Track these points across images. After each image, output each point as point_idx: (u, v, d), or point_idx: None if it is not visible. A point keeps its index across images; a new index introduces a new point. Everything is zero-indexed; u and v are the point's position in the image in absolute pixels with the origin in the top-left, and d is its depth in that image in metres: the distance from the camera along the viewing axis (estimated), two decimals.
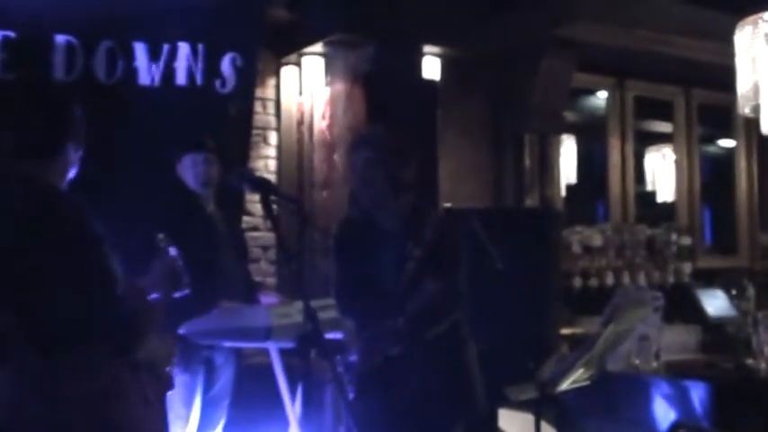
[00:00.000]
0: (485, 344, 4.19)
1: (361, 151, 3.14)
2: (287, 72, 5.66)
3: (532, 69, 6.10)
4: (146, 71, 4.74)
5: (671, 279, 6.30)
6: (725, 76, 3.93)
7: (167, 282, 2.39)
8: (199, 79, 4.86)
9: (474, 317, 4.12)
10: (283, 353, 4.20)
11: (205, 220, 4.13)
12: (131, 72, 4.70)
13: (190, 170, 4.09)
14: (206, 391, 4.13)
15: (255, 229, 5.42)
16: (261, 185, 2.49)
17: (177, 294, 2.40)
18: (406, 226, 3.15)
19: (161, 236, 2.43)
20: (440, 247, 3.12)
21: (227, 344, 4.20)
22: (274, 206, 2.59)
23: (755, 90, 3.52)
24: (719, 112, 7.45)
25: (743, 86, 3.57)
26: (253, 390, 4.65)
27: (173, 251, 2.43)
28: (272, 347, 4.18)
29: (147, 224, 2.74)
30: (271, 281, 5.49)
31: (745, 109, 3.62)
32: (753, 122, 7.43)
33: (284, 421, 4.23)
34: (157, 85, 4.76)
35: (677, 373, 4.34)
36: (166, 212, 3.86)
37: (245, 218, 5.30)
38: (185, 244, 2.59)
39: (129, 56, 4.69)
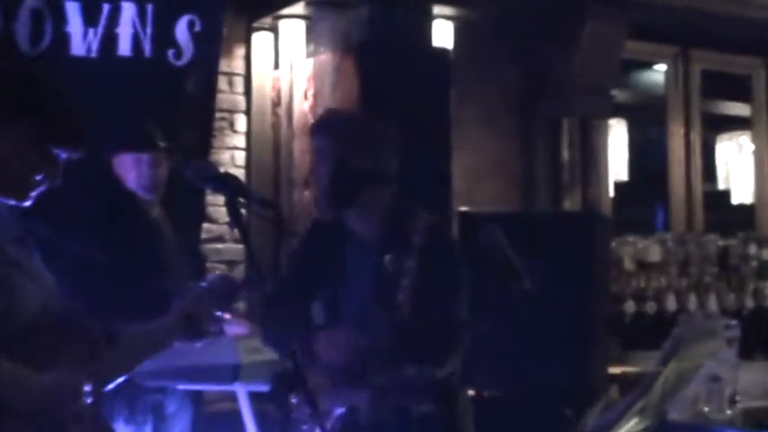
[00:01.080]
0: (511, 388, 4.21)
1: (313, 139, 3.21)
2: (259, 40, 5.67)
3: (572, 36, 6.11)
4: (80, 38, 4.75)
5: (749, 303, 6.32)
6: None
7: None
8: (147, 48, 4.87)
9: (498, 353, 4.13)
10: (254, 397, 4.21)
11: (148, 227, 4.15)
12: (62, 39, 4.71)
13: (132, 171, 4.11)
14: None
15: (219, 239, 5.43)
16: (226, 184, 2.49)
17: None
18: (383, 231, 3.17)
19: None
20: (433, 260, 3.13)
21: (183, 386, 4.21)
22: (243, 211, 2.59)
23: None
24: None
25: None
26: None
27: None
28: (241, 390, 4.19)
29: (77, 230, 2.75)
30: (238, 306, 5.50)
31: None
32: None
33: None
34: (95, 56, 4.77)
35: (758, 422, 4.35)
36: (100, 217, 3.88)
37: (206, 225, 5.31)
38: (123, 257, 2.60)
39: (60, 18, 4.70)
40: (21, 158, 2.35)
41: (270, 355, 3.61)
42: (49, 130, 2.36)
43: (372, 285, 3.10)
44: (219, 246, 5.42)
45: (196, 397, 4.52)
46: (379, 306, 3.08)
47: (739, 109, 7.50)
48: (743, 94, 7.44)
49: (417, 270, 3.06)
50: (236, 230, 2.52)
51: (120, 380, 2.52)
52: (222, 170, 2.62)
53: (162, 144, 4.16)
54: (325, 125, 3.21)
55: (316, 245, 3.26)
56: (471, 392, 4.39)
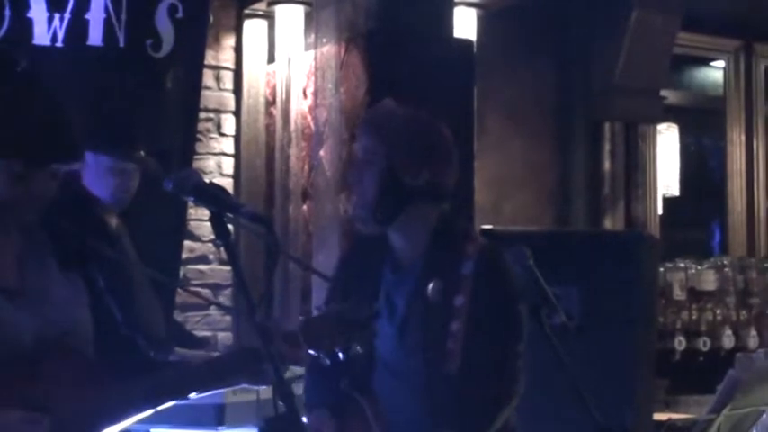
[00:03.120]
0: None
1: (361, 138, 3.16)
2: (252, 28, 5.72)
3: (616, 27, 6.14)
4: (44, 25, 4.78)
5: None
6: None
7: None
8: (121, 38, 4.90)
9: (527, 395, 4.14)
10: None
11: (110, 240, 4.17)
12: (23, 26, 4.75)
13: (102, 179, 4.12)
14: None
15: (203, 260, 5.45)
16: (212, 197, 2.51)
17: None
18: (428, 254, 3.15)
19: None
20: (488, 295, 3.11)
21: (162, 431, 4.23)
22: (231, 227, 2.61)
23: None
24: None
25: None
26: None
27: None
28: None
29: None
30: (223, 336, 5.52)
31: None
32: None
33: None
34: (61, 46, 4.81)
35: None
36: (48, 218, 3.92)
37: (188, 243, 5.32)
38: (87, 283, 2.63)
39: (20, 2, 4.74)
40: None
41: (259, 394, 3.62)
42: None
43: (411, 322, 3.04)
44: (203, 267, 5.44)
45: None
46: (423, 351, 3.01)
47: None
48: None
49: (468, 308, 3.03)
50: (222, 250, 2.55)
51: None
52: (207, 180, 2.63)
53: (142, 153, 4.18)
54: (378, 123, 3.12)
55: (358, 267, 3.18)
56: None
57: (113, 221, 4.21)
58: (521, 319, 3.10)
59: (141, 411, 2.55)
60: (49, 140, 2.43)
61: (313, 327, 2.56)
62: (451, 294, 3.06)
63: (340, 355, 2.56)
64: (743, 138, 7.14)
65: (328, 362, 2.56)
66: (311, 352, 2.57)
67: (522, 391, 3.13)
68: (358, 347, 2.58)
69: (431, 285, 3.04)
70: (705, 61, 7.32)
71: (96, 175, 4.17)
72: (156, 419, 3.97)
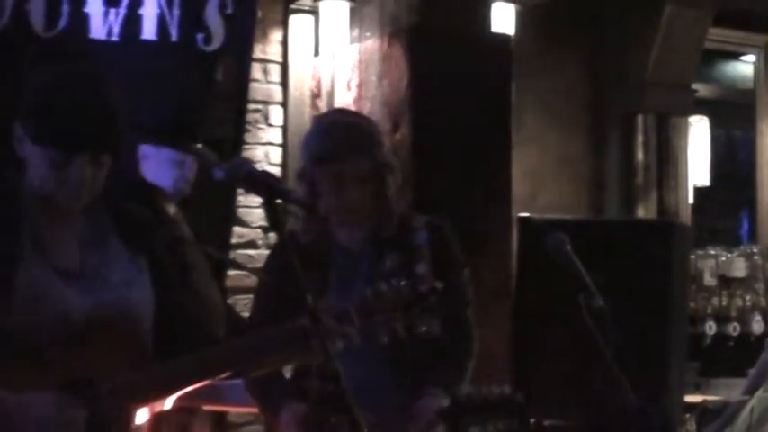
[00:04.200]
0: (576, 417, 4.20)
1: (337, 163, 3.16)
2: (298, 23, 5.71)
3: (649, 21, 6.10)
4: (100, 20, 4.81)
5: None
6: None
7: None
8: (174, 32, 4.92)
9: (562, 377, 4.12)
10: None
11: (170, 226, 4.18)
12: (81, 21, 4.77)
13: (168, 170, 4.16)
14: None
15: (251, 245, 5.47)
16: (262, 184, 2.51)
17: None
18: (371, 237, 3.19)
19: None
20: (443, 262, 3.16)
21: (209, 407, 4.26)
22: (280, 213, 2.61)
23: None
24: None
25: None
26: None
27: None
28: None
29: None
30: None
31: None
32: None
33: None
34: (116, 40, 4.83)
35: None
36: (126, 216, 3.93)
37: (237, 229, 5.34)
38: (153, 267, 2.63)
39: None
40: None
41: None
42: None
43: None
44: (251, 252, 5.45)
45: (220, 420, 4.57)
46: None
47: None
48: None
49: (430, 275, 3.06)
50: (270, 235, 2.54)
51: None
52: (258, 169, 2.62)
53: (199, 145, 4.20)
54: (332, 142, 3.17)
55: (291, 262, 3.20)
56: (531, 421, 4.40)
57: (172, 209, 4.23)
58: (468, 285, 3.22)
59: (192, 385, 2.56)
60: (85, 130, 2.43)
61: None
62: (412, 264, 3.10)
63: (400, 332, 2.53)
64: None
65: (386, 339, 2.54)
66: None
67: (475, 352, 3.21)
68: (423, 327, 2.56)
69: (388, 259, 3.07)
70: (735, 56, 7.26)
71: (157, 166, 4.19)
72: (206, 397, 4.01)
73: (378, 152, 3.17)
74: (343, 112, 3.48)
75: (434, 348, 3.14)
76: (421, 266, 3.15)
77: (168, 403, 2.66)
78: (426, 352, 3.14)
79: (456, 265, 3.26)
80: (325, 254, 3.17)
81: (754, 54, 7.16)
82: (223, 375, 2.60)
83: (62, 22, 4.75)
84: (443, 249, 3.22)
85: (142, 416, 2.56)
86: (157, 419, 3.00)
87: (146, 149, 4.19)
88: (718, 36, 6.60)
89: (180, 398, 2.74)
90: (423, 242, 3.17)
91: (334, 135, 3.17)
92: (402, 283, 2.58)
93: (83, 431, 2.40)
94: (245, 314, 5.18)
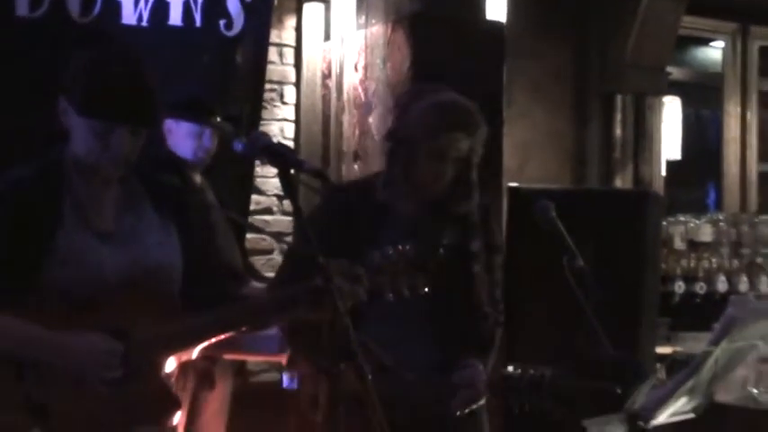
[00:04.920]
0: (560, 365, 4.21)
1: (449, 135, 3.02)
2: (310, 10, 5.69)
3: (628, 10, 6.07)
4: (131, 7, 4.79)
5: None
6: None
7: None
8: (198, 19, 4.90)
9: (547, 330, 4.13)
10: None
11: (196, 192, 4.20)
12: (113, 8, 4.75)
13: (188, 141, 4.18)
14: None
15: (267, 211, 5.47)
16: (279, 155, 2.50)
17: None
18: (434, 209, 3.14)
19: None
20: (490, 239, 3.15)
21: (230, 356, 4.27)
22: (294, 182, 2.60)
23: None
24: None
25: None
26: (256, 416, 4.72)
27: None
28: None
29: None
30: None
31: None
32: None
33: None
34: (146, 26, 4.81)
35: None
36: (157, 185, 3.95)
37: (255, 197, 5.35)
38: (180, 228, 2.64)
39: None
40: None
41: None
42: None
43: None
44: (268, 218, 5.46)
45: (240, 368, 4.59)
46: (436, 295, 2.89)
47: None
48: None
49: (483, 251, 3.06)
50: (284, 202, 2.54)
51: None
52: (275, 141, 2.62)
53: (219, 119, 4.21)
54: (461, 119, 3.05)
55: (343, 215, 3.09)
56: (518, 370, 4.42)
57: (197, 177, 4.25)
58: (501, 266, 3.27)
59: (215, 337, 2.57)
60: (125, 104, 2.44)
61: (378, 265, 2.55)
62: (467, 241, 3.08)
63: (405, 292, 2.53)
64: (738, 109, 7.08)
65: (392, 297, 2.53)
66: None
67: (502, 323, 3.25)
68: (425, 288, 2.55)
69: (447, 233, 3.06)
70: (706, 41, 7.24)
71: (179, 138, 4.20)
72: (228, 347, 4.03)
73: (479, 136, 3.08)
74: (452, 92, 3.15)
75: (470, 318, 3.14)
76: (475, 244, 3.13)
77: (194, 353, 2.68)
78: (462, 320, 3.13)
79: (498, 248, 3.26)
80: (375, 216, 3.07)
81: (723, 40, 7.13)
82: (243, 329, 2.62)
83: (96, 9, 4.74)
84: (490, 231, 3.19)
85: (171, 364, 2.58)
86: (183, 368, 3.03)
87: (168, 123, 4.20)
88: (690, 24, 6.58)
89: (204, 348, 2.76)
90: (477, 220, 3.14)
91: (460, 111, 3.06)
92: (407, 247, 2.58)
93: (120, 366, 2.42)
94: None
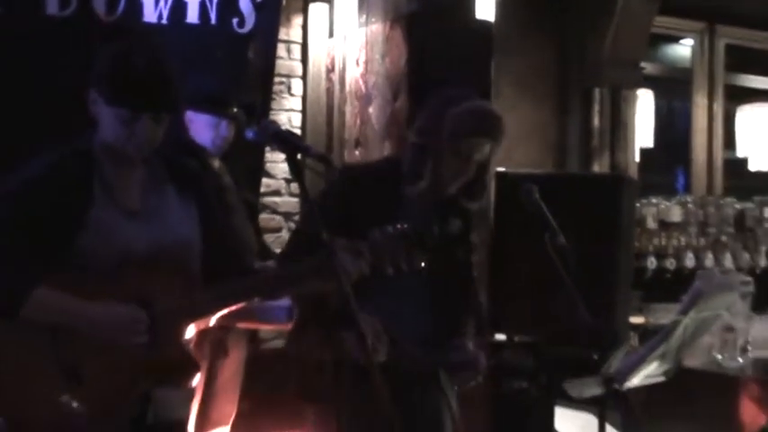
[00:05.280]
0: (542, 334, 4.22)
1: (474, 137, 3.04)
2: (315, 10, 5.68)
3: (605, 11, 6.06)
4: (152, 6, 4.78)
5: (762, 262, 6.28)
6: None
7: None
8: (213, 17, 4.90)
9: (532, 302, 4.14)
10: None
11: (215, 177, 4.20)
12: (135, 7, 4.75)
13: (207, 131, 4.18)
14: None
15: (276, 193, 5.47)
16: (287, 141, 2.51)
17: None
18: (444, 198, 3.15)
19: None
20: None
21: (243, 325, 4.28)
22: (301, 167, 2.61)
23: None
24: None
25: None
26: (267, 379, 4.73)
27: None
28: None
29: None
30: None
31: None
32: None
33: (304, 415, 4.30)
34: (165, 23, 4.81)
35: (767, 371, 4.34)
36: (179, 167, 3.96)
37: (265, 180, 5.35)
38: (200, 207, 2.65)
39: None
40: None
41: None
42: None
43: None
44: (277, 199, 5.46)
45: (252, 335, 4.60)
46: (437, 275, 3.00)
47: (760, 82, 7.43)
48: (764, 68, 7.35)
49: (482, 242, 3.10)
50: (291, 185, 2.55)
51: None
52: (284, 128, 2.63)
53: (234, 110, 4.22)
54: (491, 126, 3.08)
55: (358, 197, 3.08)
56: (503, 338, 4.43)
57: (216, 163, 4.25)
58: None
59: (231, 307, 2.58)
60: (148, 94, 2.45)
61: (379, 242, 2.55)
62: (468, 231, 3.10)
63: (404, 267, 2.55)
64: (705, 101, 7.08)
65: (391, 272, 2.55)
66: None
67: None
68: (422, 264, 2.57)
69: (452, 223, 3.07)
70: (676, 39, 7.23)
71: (199, 129, 4.21)
72: (242, 315, 4.03)
73: (500, 142, 3.11)
74: (480, 100, 3.19)
75: (466, 299, 3.16)
76: (475, 236, 3.17)
77: (211, 322, 2.69)
78: (459, 299, 3.16)
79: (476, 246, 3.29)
80: (391, 202, 3.06)
81: (692, 38, 7.12)
82: (256, 299, 2.63)
83: (120, 8, 4.73)
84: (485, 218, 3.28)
85: (190, 332, 2.60)
86: (201, 335, 3.03)
87: (189, 115, 4.20)
88: (662, 23, 6.57)
89: (220, 318, 2.78)
90: (477, 210, 3.17)
91: (490, 118, 3.09)
92: (405, 226, 2.59)
93: (145, 333, 2.44)
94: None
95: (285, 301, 3.97)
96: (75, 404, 2.39)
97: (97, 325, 2.41)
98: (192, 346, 2.61)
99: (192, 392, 2.66)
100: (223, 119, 4.20)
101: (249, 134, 2.53)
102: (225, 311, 2.59)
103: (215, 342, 4.21)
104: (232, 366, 4.46)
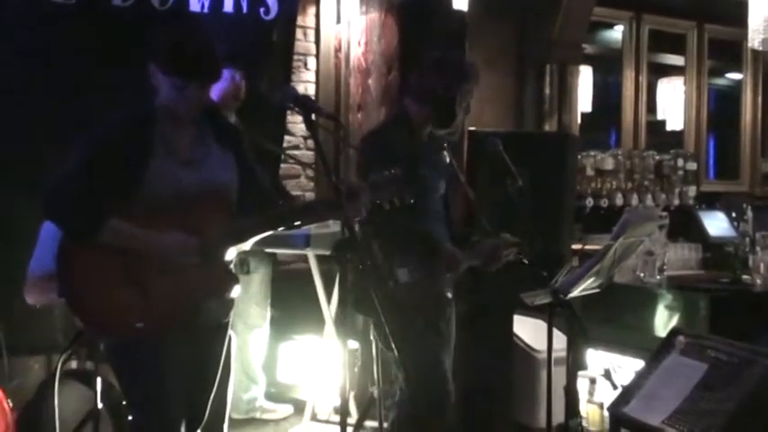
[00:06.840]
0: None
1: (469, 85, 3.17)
2: (326, 1, 5.60)
3: (554, 3, 5.99)
4: None
5: (676, 201, 6.29)
6: (737, 12, 3.85)
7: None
8: (245, 7, 4.84)
9: (495, 233, 4.14)
10: (320, 259, 4.28)
11: (238, 132, 4.16)
12: None
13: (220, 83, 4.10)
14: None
15: (296, 147, 5.45)
16: (305, 103, 2.51)
17: None
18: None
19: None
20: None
21: (268, 249, 4.30)
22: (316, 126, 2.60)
23: (766, 24, 3.46)
24: (729, 47, 7.32)
25: (754, 21, 3.51)
26: (291, 292, 4.77)
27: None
28: (310, 254, 4.26)
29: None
30: (309, 195, 5.55)
31: (754, 42, 3.58)
32: (760, 56, 7.33)
33: (321, 321, 4.34)
34: (206, 12, 4.75)
35: (678, 285, 4.38)
36: (219, 124, 3.92)
37: (287, 137, 5.32)
38: (237, 158, 2.65)
39: None
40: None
41: (334, 227, 3.65)
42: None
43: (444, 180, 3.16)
44: (296, 152, 5.44)
45: (272, 257, 4.62)
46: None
47: (676, 60, 7.38)
48: (679, 49, 7.32)
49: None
50: (308, 141, 2.54)
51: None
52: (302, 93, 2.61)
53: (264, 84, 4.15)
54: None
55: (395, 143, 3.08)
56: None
57: (232, 118, 4.17)
58: None
59: (260, 234, 2.58)
60: (196, 66, 2.43)
61: (377, 184, 2.55)
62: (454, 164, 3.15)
63: (396, 202, 2.55)
64: (633, 75, 7.04)
65: (387, 206, 2.55)
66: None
67: None
68: (411, 200, 2.58)
69: (445, 153, 3.20)
70: (610, 26, 7.15)
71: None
72: (268, 242, 4.04)
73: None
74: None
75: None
76: (461, 175, 3.26)
77: (247, 246, 2.70)
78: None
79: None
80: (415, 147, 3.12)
81: (622, 25, 7.05)
82: (280, 228, 2.64)
83: (171, 0, 4.66)
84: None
85: (231, 253, 2.60)
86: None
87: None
88: (599, 12, 6.50)
89: (253, 243, 2.78)
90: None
91: (469, 67, 3.21)
92: (394, 171, 2.59)
93: (195, 254, 2.45)
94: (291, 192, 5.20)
95: (304, 230, 3.99)
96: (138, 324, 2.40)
97: (158, 248, 2.42)
98: (232, 265, 2.63)
99: (232, 302, 2.67)
100: (236, 72, 4.10)
101: (275, 97, 2.53)
102: (257, 238, 2.59)
103: (238, 262, 4.23)
104: (263, 279, 4.48)
